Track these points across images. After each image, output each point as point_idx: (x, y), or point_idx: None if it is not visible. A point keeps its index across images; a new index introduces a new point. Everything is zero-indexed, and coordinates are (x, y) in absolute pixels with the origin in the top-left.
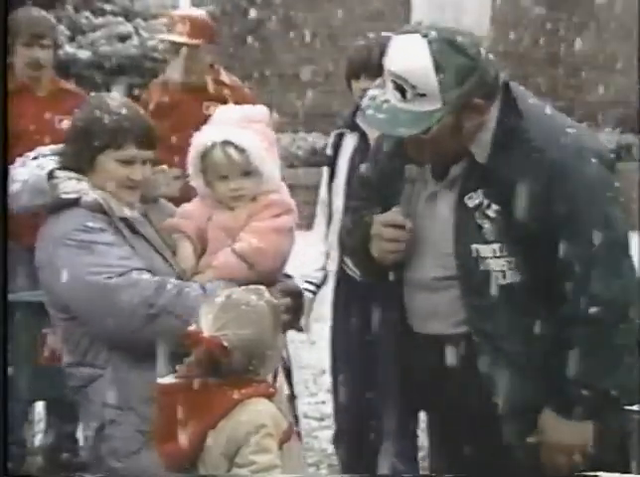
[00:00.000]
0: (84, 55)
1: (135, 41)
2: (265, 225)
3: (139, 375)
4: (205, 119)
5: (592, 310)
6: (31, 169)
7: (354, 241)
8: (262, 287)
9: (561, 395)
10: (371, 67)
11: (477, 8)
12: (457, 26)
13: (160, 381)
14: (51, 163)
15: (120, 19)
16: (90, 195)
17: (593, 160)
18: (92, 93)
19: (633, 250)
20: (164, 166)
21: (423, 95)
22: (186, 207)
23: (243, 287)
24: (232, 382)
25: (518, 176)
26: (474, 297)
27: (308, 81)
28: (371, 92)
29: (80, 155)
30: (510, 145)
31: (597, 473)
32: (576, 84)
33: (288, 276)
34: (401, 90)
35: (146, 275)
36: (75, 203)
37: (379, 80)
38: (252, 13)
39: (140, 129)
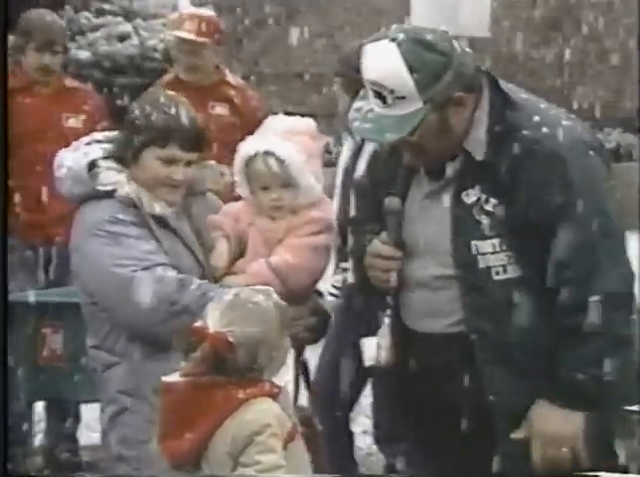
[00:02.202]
0: (84, 55)
1: (135, 41)
2: (303, 242)
3: (154, 366)
4: (210, 120)
5: (592, 299)
6: (78, 156)
7: (357, 272)
8: (271, 288)
9: (556, 381)
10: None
11: (477, 8)
12: (457, 26)
13: (165, 379)
14: (98, 151)
15: (120, 19)
16: (125, 188)
17: (591, 152)
18: (151, 89)
19: (633, 250)
20: (212, 162)
21: (403, 98)
22: (231, 207)
23: (252, 288)
24: (236, 381)
25: (515, 168)
26: (474, 295)
27: (308, 82)
28: (356, 105)
29: (127, 146)
30: (506, 139)
31: (597, 473)
32: (576, 84)
33: (320, 294)
34: (381, 97)
35: (171, 272)
36: (110, 194)
37: (362, 92)
38: (252, 13)
39: (186, 131)
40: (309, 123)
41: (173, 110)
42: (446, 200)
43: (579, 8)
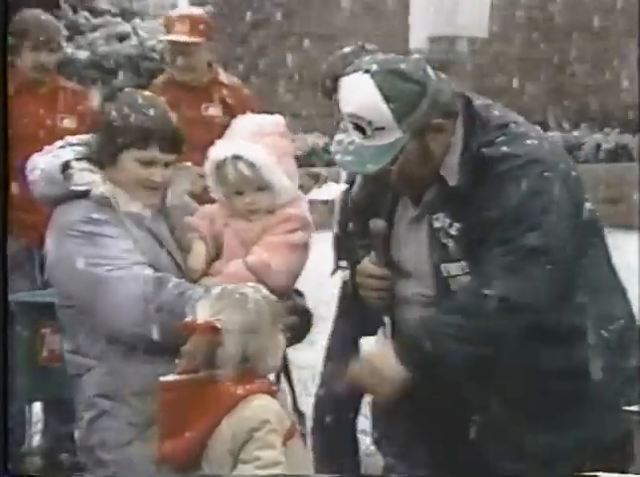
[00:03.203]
0: (83, 55)
1: (134, 41)
2: (279, 240)
3: (134, 368)
4: (203, 120)
5: (484, 291)
6: (50, 158)
7: (353, 281)
8: (259, 285)
9: (406, 331)
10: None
11: (476, 8)
12: (456, 26)
13: (162, 378)
14: (70, 153)
15: (119, 19)
16: (100, 188)
17: (546, 174)
18: (127, 89)
19: (633, 250)
20: (188, 163)
21: (382, 129)
22: (207, 208)
23: (241, 283)
24: (234, 377)
25: (472, 188)
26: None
27: (307, 82)
28: (337, 138)
29: (104, 149)
30: (472, 161)
31: (597, 473)
32: (576, 85)
33: (299, 294)
34: (361, 129)
35: (147, 270)
36: (84, 194)
37: (342, 125)
38: (251, 13)
39: (164, 132)
40: (277, 121)
41: (152, 111)
42: (425, 224)
43: (580, 8)
